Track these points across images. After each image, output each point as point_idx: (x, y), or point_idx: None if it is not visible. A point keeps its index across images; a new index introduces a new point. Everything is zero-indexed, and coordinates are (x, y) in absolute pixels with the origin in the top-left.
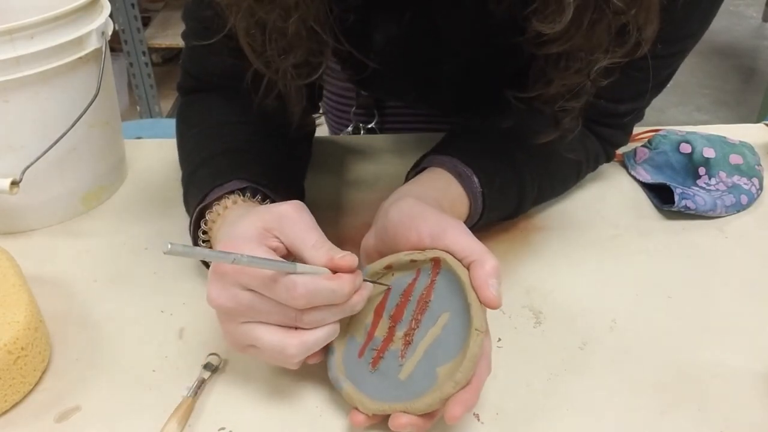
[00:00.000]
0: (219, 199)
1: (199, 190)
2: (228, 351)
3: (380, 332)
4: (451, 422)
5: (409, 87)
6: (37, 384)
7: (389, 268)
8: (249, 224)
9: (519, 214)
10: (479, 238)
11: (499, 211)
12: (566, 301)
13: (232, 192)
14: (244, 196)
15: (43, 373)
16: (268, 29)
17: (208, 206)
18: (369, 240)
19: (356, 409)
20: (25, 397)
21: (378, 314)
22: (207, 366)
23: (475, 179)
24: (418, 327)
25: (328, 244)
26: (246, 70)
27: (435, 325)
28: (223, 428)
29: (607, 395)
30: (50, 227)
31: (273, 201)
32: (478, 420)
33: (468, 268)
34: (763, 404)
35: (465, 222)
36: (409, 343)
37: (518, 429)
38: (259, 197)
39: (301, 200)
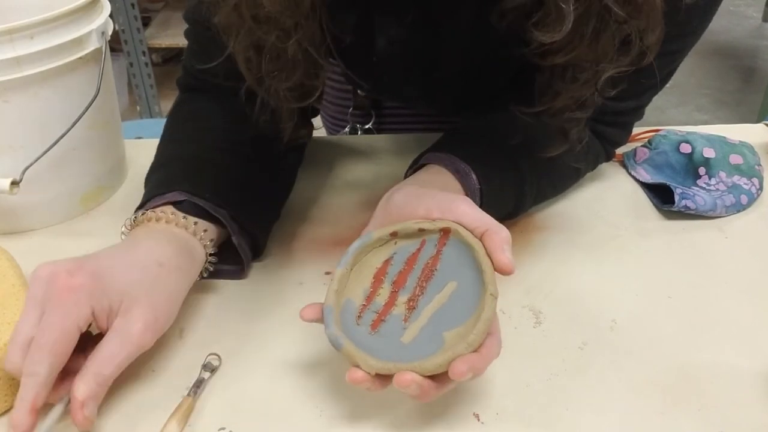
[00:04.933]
0: (155, 207)
1: (145, 195)
2: (228, 351)
3: (381, 297)
4: (455, 378)
5: (411, 89)
6: None
7: (394, 235)
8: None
9: (519, 213)
10: None
11: (498, 208)
12: (566, 301)
13: (172, 203)
14: (182, 211)
15: None
16: (266, 51)
17: (141, 210)
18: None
19: (357, 366)
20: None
21: (378, 280)
22: (207, 366)
23: (473, 176)
24: (422, 293)
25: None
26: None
27: (441, 293)
28: (223, 428)
29: (607, 395)
30: (50, 227)
31: (211, 217)
32: (478, 420)
33: (481, 238)
34: (763, 404)
35: None
36: (414, 308)
37: (518, 429)
38: (196, 217)
39: (266, 211)
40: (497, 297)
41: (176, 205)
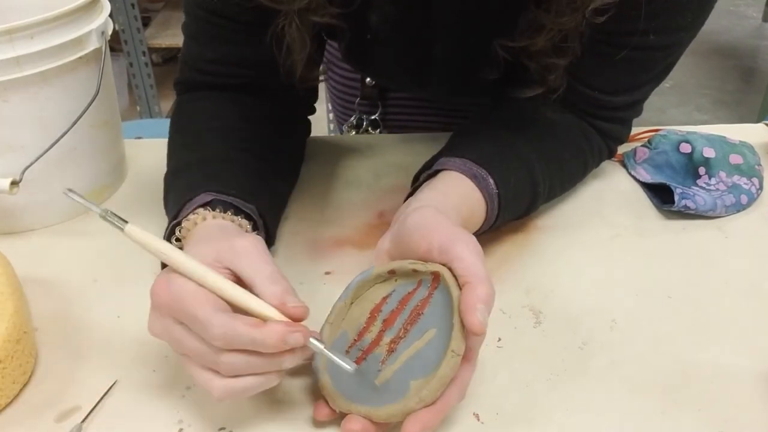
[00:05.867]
0: (188, 215)
1: (174, 204)
2: None
3: (370, 334)
4: None
5: (404, 68)
6: (33, 385)
7: (392, 273)
8: (201, 256)
9: (530, 213)
10: (483, 238)
11: (513, 210)
12: (566, 301)
13: (202, 206)
14: (214, 210)
15: (24, 386)
16: None
17: (179, 223)
18: (385, 243)
19: (325, 403)
20: (12, 401)
21: (373, 316)
22: None
23: (491, 180)
24: (404, 337)
25: (286, 283)
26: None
27: (420, 339)
28: (223, 428)
29: (606, 395)
30: (50, 227)
31: (245, 213)
32: (478, 420)
33: (461, 289)
34: (763, 404)
35: (482, 225)
36: (393, 351)
37: (518, 429)
38: (231, 211)
39: (279, 208)
40: (461, 354)
41: (205, 206)
